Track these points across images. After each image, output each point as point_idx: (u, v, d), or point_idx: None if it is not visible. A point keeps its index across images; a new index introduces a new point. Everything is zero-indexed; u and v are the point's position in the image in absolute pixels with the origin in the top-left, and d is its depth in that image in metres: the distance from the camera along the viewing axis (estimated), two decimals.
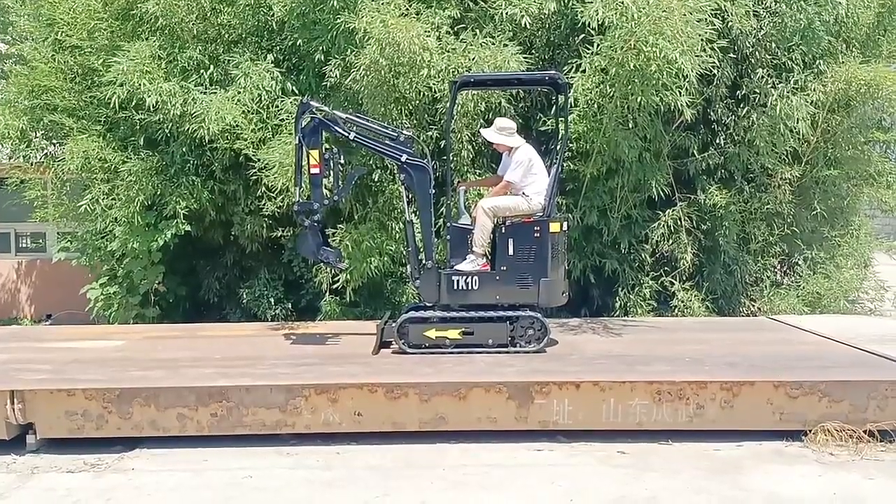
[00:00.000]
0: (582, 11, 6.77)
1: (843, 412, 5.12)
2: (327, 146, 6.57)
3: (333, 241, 7.60)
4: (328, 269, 7.84)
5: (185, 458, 5.05)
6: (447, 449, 5.13)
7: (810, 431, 5.11)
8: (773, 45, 8.12)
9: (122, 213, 8.04)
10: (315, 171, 6.29)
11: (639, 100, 6.96)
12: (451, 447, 5.15)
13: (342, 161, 6.75)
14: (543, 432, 5.26)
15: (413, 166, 6.27)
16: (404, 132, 6.45)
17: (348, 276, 7.78)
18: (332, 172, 6.44)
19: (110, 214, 8.15)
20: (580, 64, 7.27)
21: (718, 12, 7.09)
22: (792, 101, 7.80)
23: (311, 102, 6.41)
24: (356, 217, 7.87)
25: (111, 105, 7.56)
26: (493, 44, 7.32)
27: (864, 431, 5.05)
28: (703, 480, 4.58)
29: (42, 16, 8.51)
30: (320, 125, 6.32)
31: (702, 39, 6.63)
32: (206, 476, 4.76)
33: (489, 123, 6.74)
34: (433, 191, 6.32)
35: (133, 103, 7.64)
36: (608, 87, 7.09)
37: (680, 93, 6.98)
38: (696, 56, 6.62)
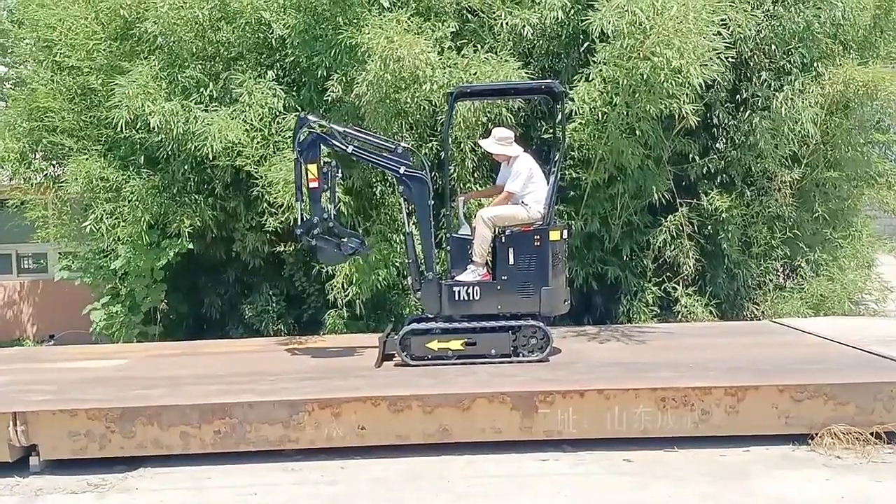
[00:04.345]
0: (588, 20, 6.81)
1: (850, 415, 5.09)
2: (326, 159, 6.57)
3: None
4: (340, 284, 7.81)
5: (188, 477, 5.03)
6: (452, 461, 5.10)
7: (817, 435, 5.08)
8: (773, 47, 8.14)
9: (126, 232, 8.04)
10: (314, 185, 6.29)
11: (647, 107, 6.98)
12: (456, 459, 5.12)
13: (340, 175, 6.76)
14: (548, 442, 5.22)
15: (411, 178, 6.27)
16: (402, 144, 6.46)
17: (357, 289, 7.77)
18: (329, 186, 6.44)
19: (114, 234, 8.14)
20: (588, 74, 7.29)
21: (722, 19, 7.11)
22: (796, 104, 7.80)
23: (309, 117, 6.42)
24: (360, 230, 7.87)
25: (116, 126, 7.53)
26: (495, 59, 7.36)
27: (871, 433, 5.02)
28: (710, 487, 4.54)
29: (40, 38, 8.55)
30: (318, 139, 6.33)
31: (710, 50, 6.65)
32: (211, 494, 4.75)
33: (490, 133, 6.75)
34: (432, 202, 6.31)
35: (138, 124, 7.64)
36: (613, 96, 7.11)
37: (684, 100, 7.00)
38: (703, 65, 6.64)
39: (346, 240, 6.47)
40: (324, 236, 6.41)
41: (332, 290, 7.91)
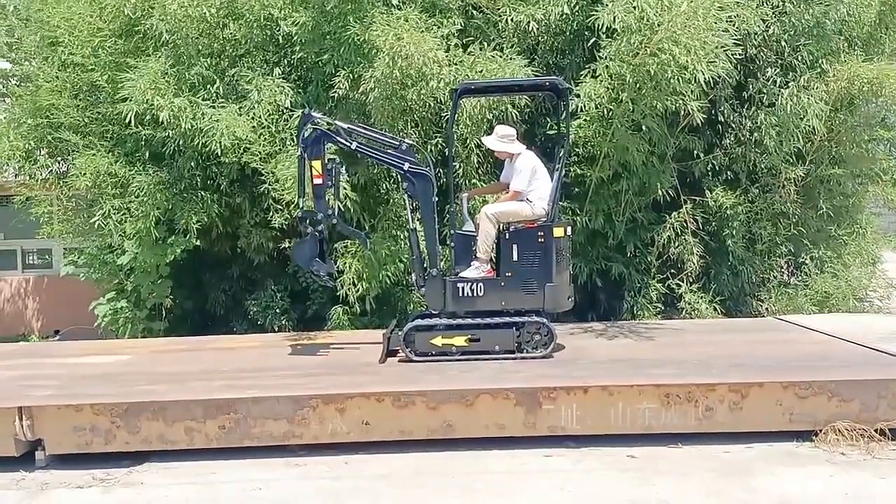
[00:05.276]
0: (594, 15, 6.82)
1: (854, 411, 5.07)
2: (331, 156, 6.57)
3: (348, 252, 7.65)
4: (350, 280, 7.83)
5: (194, 472, 5.04)
6: (456, 457, 5.10)
7: (821, 431, 5.06)
8: (781, 44, 8.12)
9: (134, 228, 8.04)
10: (318, 181, 6.29)
11: (653, 104, 6.97)
12: (460, 455, 5.12)
13: (345, 172, 6.76)
14: (552, 438, 5.22)
15: (416, 174, 6.28)
16: (406, 141, 6.46)
17: (367, 285, 7.78)
18: (334, 183, 6.44)
19: (122, 229, 8.14)
20: (594, 70, 7.28)
21: (729, 16, 7.10)
22: (802, 100, 7.79)
23: (313, 113, 6.43)
24: (366, 228, 7.88)
25: (127, 121, 7.50)
26: (501, 56, 7.37)
27: (875, 430, 5.01)
28: (713, 483, 4.54)
29: (45, 35, 8.56)
30: (322, 136, 6.33)
31: (717, 47, 6.65)
32: (216, 489, 4.76)
33: (493, 131, 6.75)
34: (436, 198, 6.32)
35: (145, 119, 7.62)
36: (619, 92, 7.11)
37: (690, 97, 7.00)
38: (710, 62, 6.64)
39: (322, 267, 6.45)
40: (317, 235, 6.40)
41: (343, 286, 7.94)
